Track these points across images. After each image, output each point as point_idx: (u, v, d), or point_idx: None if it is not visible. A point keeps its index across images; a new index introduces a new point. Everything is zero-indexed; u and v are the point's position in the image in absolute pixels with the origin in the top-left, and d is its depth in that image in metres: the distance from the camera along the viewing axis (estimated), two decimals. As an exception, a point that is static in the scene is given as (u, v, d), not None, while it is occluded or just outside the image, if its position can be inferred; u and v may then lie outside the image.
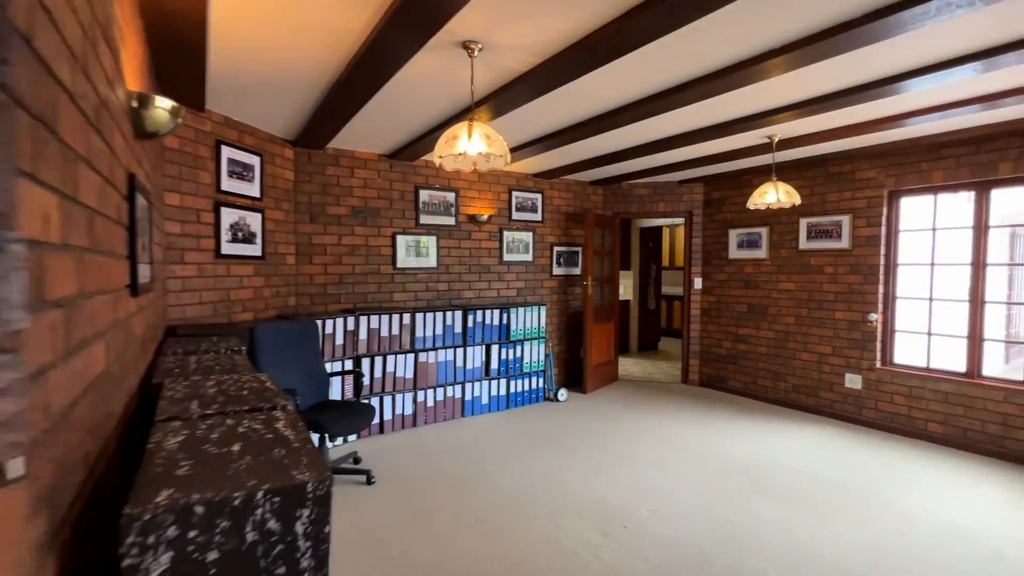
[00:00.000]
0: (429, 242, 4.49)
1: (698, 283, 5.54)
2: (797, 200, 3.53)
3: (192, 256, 2.89)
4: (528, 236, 5.11)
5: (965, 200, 5.44)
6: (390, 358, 3.98)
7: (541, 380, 4.89)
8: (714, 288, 5.40)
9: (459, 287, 4.70)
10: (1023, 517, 2.65)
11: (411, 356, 4.08)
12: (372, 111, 3.06)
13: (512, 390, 4.69)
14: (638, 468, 3.28)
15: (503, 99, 2.70)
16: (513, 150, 3.95)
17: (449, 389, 4.30)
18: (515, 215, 5.01)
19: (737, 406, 4.77)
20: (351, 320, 3.78)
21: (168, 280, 2.72)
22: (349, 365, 3.77)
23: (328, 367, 3.60)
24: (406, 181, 4.36)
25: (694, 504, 2.78)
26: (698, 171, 4.95)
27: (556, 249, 5.33)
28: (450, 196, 4.59)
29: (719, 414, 4.50)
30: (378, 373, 3.93)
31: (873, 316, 4.09)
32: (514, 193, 4.99)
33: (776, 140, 3.63)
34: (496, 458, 3.46)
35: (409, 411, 4.09)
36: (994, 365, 3.71)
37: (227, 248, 3.13)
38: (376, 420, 3.92)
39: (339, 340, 3.70)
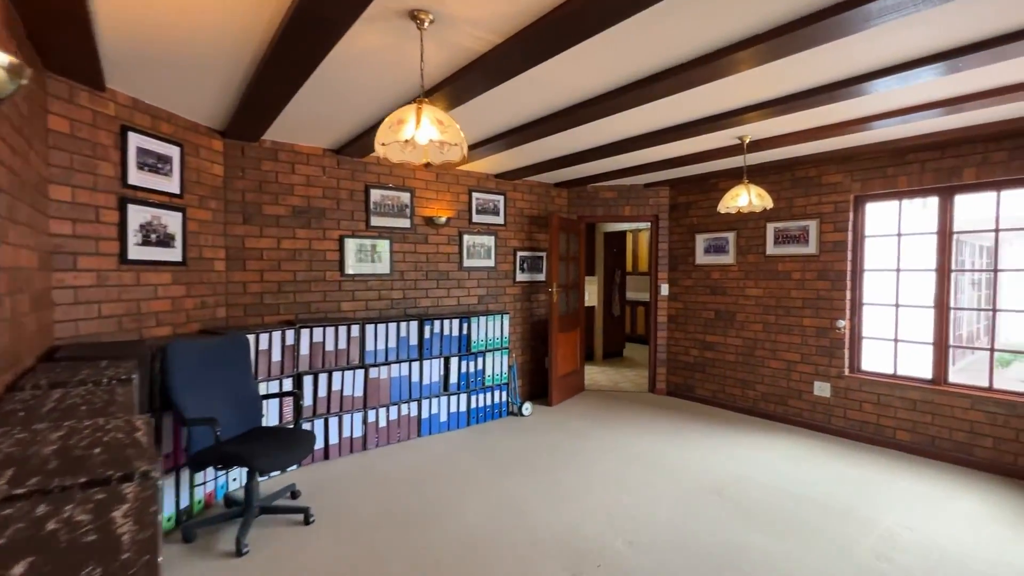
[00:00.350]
0: (381, 246, 4.11)
1: (664, 289, 5.39)
2: (769, 204, 3.39)
3: (88, 261, 2.42)
4: (490, 240, 4.82)
5: (921, 206, 5.54)
6: (336, 375, 3.58)
7: (504, 394, 4.59)
8: (681, 294, 5.26)
9: (415, 295, 4.34)
10: (1005, 533, 2.56)
11: (360, 372, 3.69)
12: (310, 97, 2.69)
13: (473, 405, 4.36)
14: (611, 492, 3.03)
15: (459, 86, 2.40)
16: (472, 147, 3.65)
17: (404, 407, 3.93)
18: (476, 218, 4.70)
19: (706, 416, 4.62)
20: (291, 333, 3.36)
21: (53, 291, 2.25)
22: (288, 385, 3.35)
23: (263, 387, 3.17)
24: (355, 179, 3.97)
25: (672, 533, 2.54)
26: (664, 174, 4.80)
27: (519, 254, 5.06)
28: (405, 196, 4.24)
29: (689, 426, 4.32)
30: (323, 392, 3.52)
31: (841, 323, 4.02)
32: (474, 194, 4.69)
33: (747, 141, 3.49)
34: (455, 486, 3.12)
35: (359, 433, 3.69)
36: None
37: (136, 252, 2.67)
38: (320, 445, 3.51)
39: (276, 356, 3.27)
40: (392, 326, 3.85)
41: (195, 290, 3.10)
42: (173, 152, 2.91)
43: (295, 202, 3.69)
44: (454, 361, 4.21)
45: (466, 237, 4.64)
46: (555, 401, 4.95)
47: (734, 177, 4.73)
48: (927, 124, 3.19)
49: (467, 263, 4.65)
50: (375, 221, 4.07)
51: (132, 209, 2.63)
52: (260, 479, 2.91)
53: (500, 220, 4.90)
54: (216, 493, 2.91)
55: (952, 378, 3.56)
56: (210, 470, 2.84)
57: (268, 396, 3.04)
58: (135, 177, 2.66)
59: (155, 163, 2.79)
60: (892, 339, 3.89)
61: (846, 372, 4.03)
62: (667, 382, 5.41)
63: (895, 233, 3.88)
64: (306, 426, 3.44)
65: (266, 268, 3.57)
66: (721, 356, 4.90)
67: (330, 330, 3.54)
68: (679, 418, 4.55)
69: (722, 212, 3.62)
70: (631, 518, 2.69)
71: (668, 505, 2.85)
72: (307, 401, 3.44)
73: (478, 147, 3.61)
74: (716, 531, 2.57)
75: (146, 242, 2.73)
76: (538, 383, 5.28)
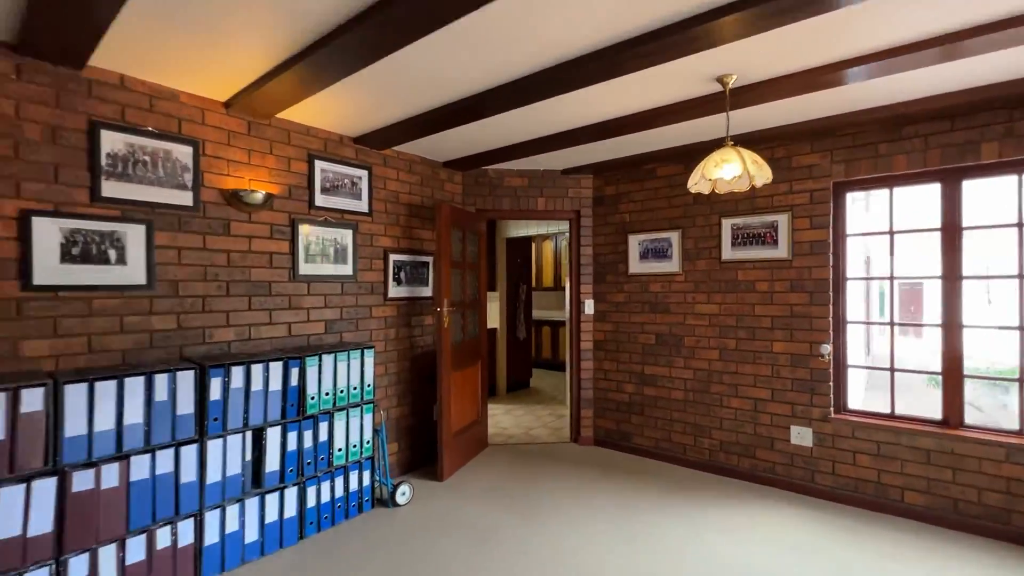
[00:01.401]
0: (125, 236, 2.28)
1: (589, 306, 4.16)
2: (769, 176, 2.26)
3: None
4: (346, 235, 3.18)
5: (869, 202, 4.94)
6: (-22, 500, 1.68)
7: (368, 474, 2.94)
8: (610, 313, 4.07)
9: (203, 323, 2.54)
10: None
11: (50, 483, 1.82)
12: None
13: (311, 504, 2.65)
14: None
15: None
16: (294, 61, 2.05)
17: (163, 534, 2.11)
18: (320, 199, 3.04)
19: (652, 478, 3.40)
20: None
21: None
22: None
23: None
24: (64, 108, 2.12)
25: None
26: (591, 150, 3.57)
27: (394, 258, 3.48)
28: (182, 152, 2.45)
29: (637, 499, 3.05)
30: (-67, 544, 1.60)
31: (826, 348, 3.05)
32: (319, 164, 3.03)
33: (729, 86, 2.35)
34: None
35: (44, 609, 1.81)
36: (856, 396, 2.88)
37: None
38: (-80, 665, 1.58)
39: None
40: (136, 382, 2.03)
41: None
42: None
43: None
44: (274, 433, 2.48)
45: (305, 228, 2.95)
46: (448, 472, 3.40)
47: (676, 160, 3.66)
48: (929, 82, 2.33)
49: (306, 269, 2.96)
50: (113, 190, 2.24)
51: None
52: None
53: (363, 207, 3.28)
54: None
55: (864, 405, 2.72)
56: None
57: None
58: None
59: None
60: (887, 368, 2.99)
61: (832, 413, 3.06)
62: (594, 428, 4.15)
63: (886, 231, 3.02)
64: None
65: None
66: (665, 393, 3.75)
67: (-41, 405, 1.65)
68: (621, 486, 3.26)
69: (693, 191, 2.43)
70: None
71: None
72: None
73: (304, 58, 2.02)
74: None
75: None
76: (423, 445, 3.69)
